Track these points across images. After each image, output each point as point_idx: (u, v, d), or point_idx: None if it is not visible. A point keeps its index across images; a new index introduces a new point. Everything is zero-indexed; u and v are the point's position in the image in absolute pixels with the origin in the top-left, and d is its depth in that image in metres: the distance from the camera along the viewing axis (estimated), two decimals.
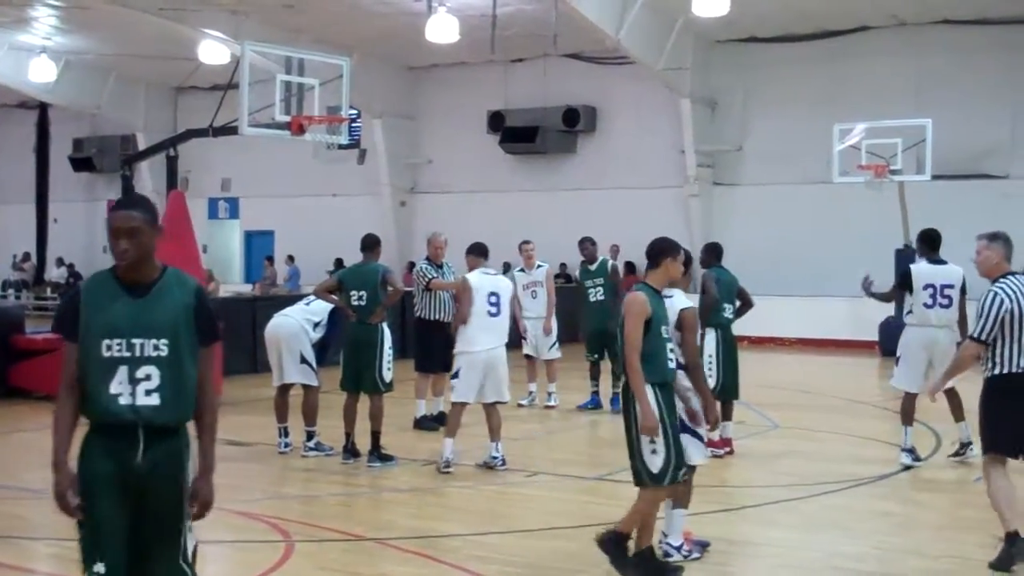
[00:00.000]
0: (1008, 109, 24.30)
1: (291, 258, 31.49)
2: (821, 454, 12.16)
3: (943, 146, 22.27)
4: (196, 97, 32.74)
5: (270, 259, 32.55)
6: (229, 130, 14.59)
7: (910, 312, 11.12)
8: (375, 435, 11.03)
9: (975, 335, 7.59)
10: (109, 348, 4.61)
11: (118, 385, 4.60)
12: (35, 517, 9.33)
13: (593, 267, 15.10)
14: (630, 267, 25.67)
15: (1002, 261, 7.78)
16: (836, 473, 10.83)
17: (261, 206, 34.04)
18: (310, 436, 11.63)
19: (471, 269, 11.08)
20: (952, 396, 10.86)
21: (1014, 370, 7.52)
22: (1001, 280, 7.64)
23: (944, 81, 24.61)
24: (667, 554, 7.70)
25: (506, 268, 26.85)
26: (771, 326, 24.93)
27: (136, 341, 4.62)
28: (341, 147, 29.60)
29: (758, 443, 12.67)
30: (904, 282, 11.22)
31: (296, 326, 11.65)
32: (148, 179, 31.64)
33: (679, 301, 7.70)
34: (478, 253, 11.15)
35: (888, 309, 23.03)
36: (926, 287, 10.98)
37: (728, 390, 11.57)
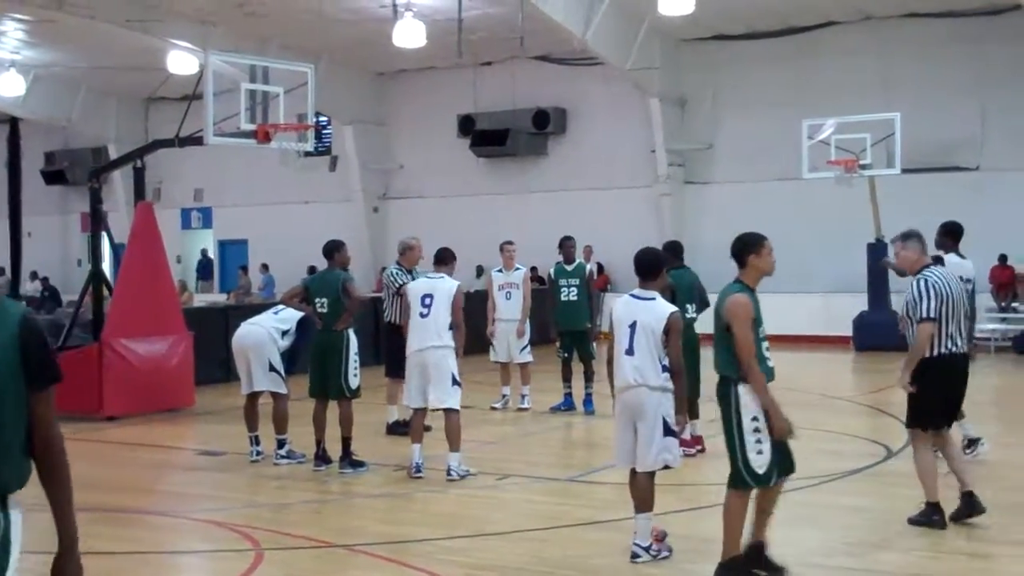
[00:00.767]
0: (977, 101, 24.42)
1: (265, 266, 31.43)
2: (795, 450, 12.12)
3: (912, 139, 22.39)
4: (167, 108, 32.62)
5: (244, 268, 32.47)
6: (195, 140, 14.54)
7: None
8: (345, 441, 11.01)
9: (925, 315, 8.14)
10: None
11: None
12: None
13: (570, 267, 15.08)
14: (599, 268, 25.75)
15: (920, 256, 8.46)
16: (808, 469, 10.74)
17: (234, 215, 33.97)
18: (281, 444, 11.59)
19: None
20: None
21: (942, 351, 8.23)
22: (925, 270, 8.33)
23: (912, 75, 24.74)
24: (635, 555, 7.70)
25: (479, 271, 26.94)
26: None
27: None
28: (310, 154, 29.61)
29: None
30: None
31: (264, 334, 11.63)
32: (120, 191, 31.52)
33: (664, 305, 7.78)
34: (436, 259, 11.10)
35: (862, 303, 23.20)
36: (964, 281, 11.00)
37: (691, 388, 11.51)
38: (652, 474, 7.71)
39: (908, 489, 9.03)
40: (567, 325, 14.87)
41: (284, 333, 11.66)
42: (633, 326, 7.67)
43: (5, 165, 36.76)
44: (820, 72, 25.57)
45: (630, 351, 7.66)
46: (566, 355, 14.94)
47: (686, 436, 10.51)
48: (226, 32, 24.95)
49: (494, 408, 15.17)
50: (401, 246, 13.37)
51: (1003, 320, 22.85)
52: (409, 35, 23.57)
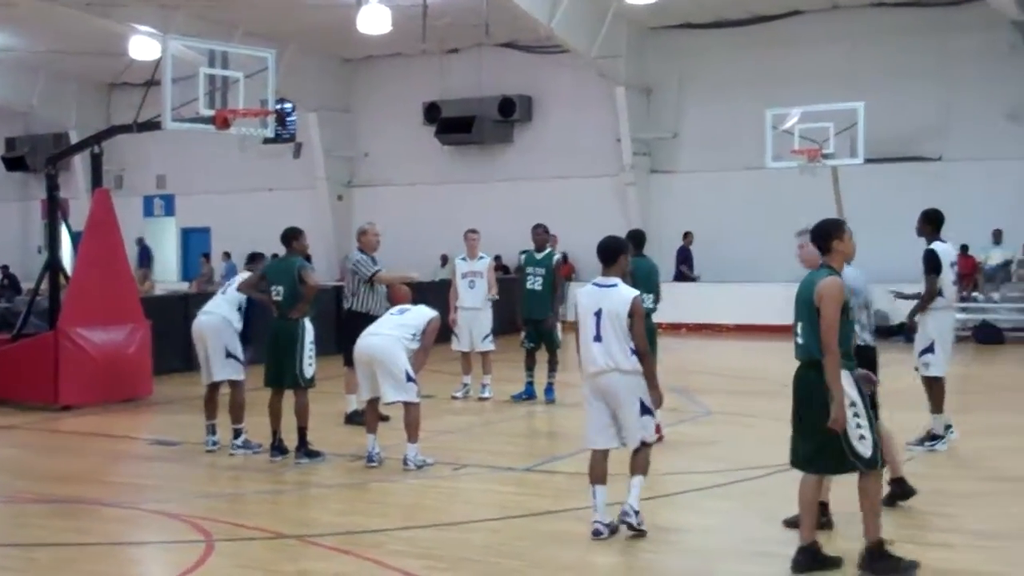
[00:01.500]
0: (941, 91, 24.50)
1: (227, 254, 31.19)
2: (752, 439, 12.17)
3: (876, 129, 22.40)
4: (129, 94, 32.27)
5: (207, 256, 32.22)
6: (153, 125, 14.37)
7: (939, 295, 10.95)
8: (301, 431, 10.89)
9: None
10: None
11: None
12: None
13: (540, 256, 14.92)
14: (563, 257, 25.60)
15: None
16: (766, 458, 10.79)
17: (197, 203, 33.71)
18: (237, 434, 11.47)
19: None
20: (939, 389, 10.92)
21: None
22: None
23: (877, 64, 24.79)
24: (626, 513, 7.96)
25: (444, 260, 26.84)
26: (708, 312, 25.08)
27: None
28: (274, 141, 29.66)
29: (689, 429, 12.67)
30: (936, 266, 10.91)
31: (219, 320, 11.55)
32: (81, 178, 31.23)
33: (626, 290, 7.96)
34: None
35: None
36: (951, 265, 10.97)
37: None
38: (648, 446, 8.09)
39: None
40: (531, 314, 14.77)
41: (239, 309, 11.58)
42: (599, 313, 7.91)
43: None
44: (786, 61, 25.58)
45: (598, 338, 7.91)
46: (532, 345, 14.85)
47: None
48: (190, 17, 24.68)
49: (455, 397, 15.09)
50: (357, 232, 13.30)
51: (963, 310, 22.92)
52: (374, 21, 23.41)
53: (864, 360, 8.10)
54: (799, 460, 7.29)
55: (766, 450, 11.21)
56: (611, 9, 24.85)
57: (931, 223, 11.03)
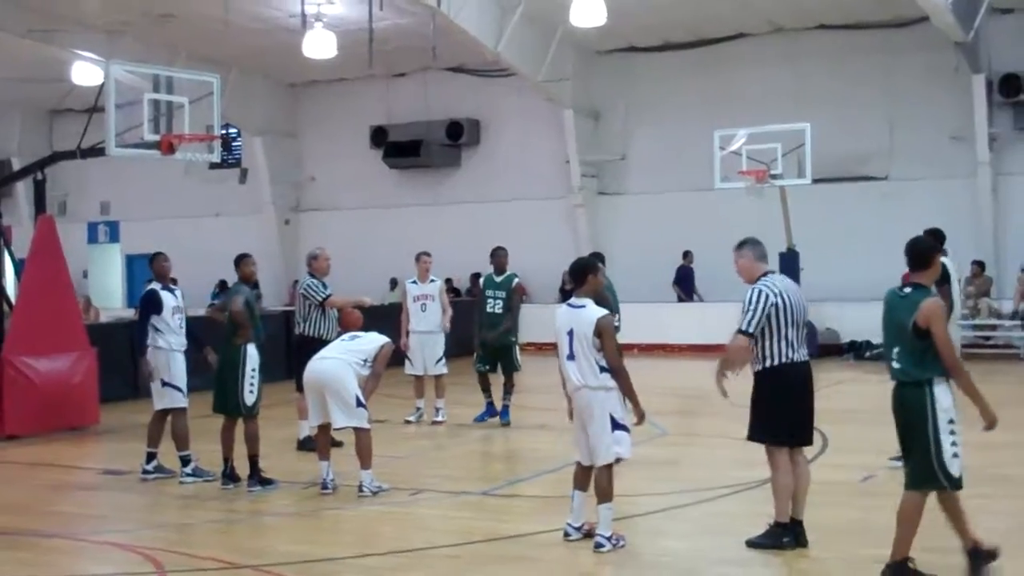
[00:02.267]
0: (886, 111, 24.70)
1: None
2: (709, 460, 12.14)
3: (823, 150, 22.56)
4: (72, 120, 31.83)
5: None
6: (97, 152, 14.16)
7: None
8: (252, 459, 10.72)
9: (743, 328, 7.91)
10: None
11: None
12: None
13: (499, 279, 14.80)
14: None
15: (755, 263, 8.23)
16: (724, 478, 10.79)
17: (142, 229, 33.26)
18: (186, 462, 11.27)
19: None
20: None
21: (783, 361, 7.96)
22: (762, 279, 8.07)
23: (822, 86, 24.97)
24: (599, 544, 8.00)
25: (393, 284, 26.69)
26: (660, 333, 25.06)
27: None
28: (219, 166, 29.37)
29: (646, 450, 12.50)
30: (946, 279, 10.74)
31: (153, 352, 11.51)
32: (24, 204, 30.74)
33: (593, 310, 8.17)
34: None
35: None
36: (958, 280, 10.93)
37: None
38: (609, 467, 8.14)
39: (821, 497, 8.97)
40: (487, 338, 14.65)
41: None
42: (571, 333, 8.21)
43: None
44: (732, 83, 25.70)
45: (571, 356, 8.22)
46: (486, 367, 14.74)
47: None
48: (133, 42, 24.37)
49: (408, 422, 14.94)
50: (308, 257, 13.16)
51: None
52: (320, 45, 23.27)
53: (799, 376, 8.07)
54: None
55: (723, 471, 11.22)
56: (558, 33, 24.86)
57: (937, 237, 11.04)
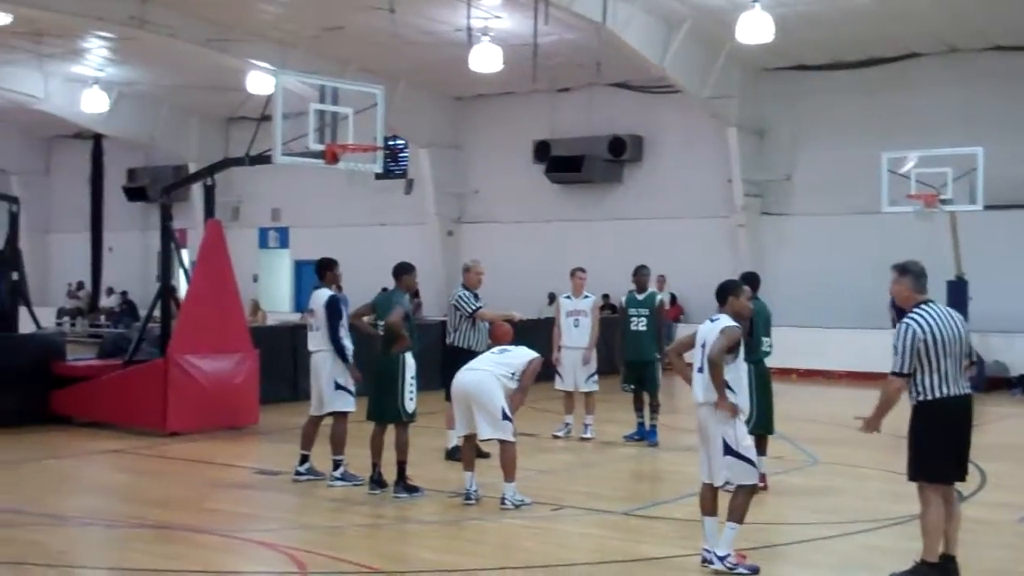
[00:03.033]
0: None
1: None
2: (860, 491, 11.85)
3: (996, 175, 21.80)
4: (247, 128, 32.71)
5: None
6: (264, 159, 14.55)
7: None
8: (400, 466, 10.89)
9: (895, 370, 7.74)
10: None
11: None
12: (52, 543, 9.28)
13: (642, 296, 14.81)
14: (672, 298, 25.46)
15: (912, 293, 7.94)
16: (874, 511, 10.55)
17: (311, 235, 34.08)
18: (336, 465, 11.51)
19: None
20: None
21: (937, 396, 7.72)
22: (915, 310, 7.82)
23: (995, 109, 24.17)
24: (706, 560, 7.97)
25: (551, 298, 26.75)
26: (819, 359, 24.64)
27: None
28: (385, 176, 29.91)
29: (795, 479, 12.36)
30: None
31: (326, 355, 11.62)
32: (199, 208, 31.74)
33: (723, 321, 8.24)
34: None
35: None
36: None
37: (762, 424, 11.15)
38: (745, 488, 8.04)
39: (973, 535, 8.71)
40: (632, 356, 14.64)
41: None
42: (703, 346, 8.18)
43: (88, 181, 37.60)
44: (902, 104, 25.08)
45: (700, 369, 8.18)
46: (631, 387, 14.71)
47: None
48: (305, 54, 25.11)
49: (556, 436, 14.98)
50: (462, 268, 13.36)
51: None
52: (486, 60, 23.56)
53: (955, 410, 7.80)
54: None
55: (873, 503, 10.97)
56: (724, 50, 24.66)
57: None
